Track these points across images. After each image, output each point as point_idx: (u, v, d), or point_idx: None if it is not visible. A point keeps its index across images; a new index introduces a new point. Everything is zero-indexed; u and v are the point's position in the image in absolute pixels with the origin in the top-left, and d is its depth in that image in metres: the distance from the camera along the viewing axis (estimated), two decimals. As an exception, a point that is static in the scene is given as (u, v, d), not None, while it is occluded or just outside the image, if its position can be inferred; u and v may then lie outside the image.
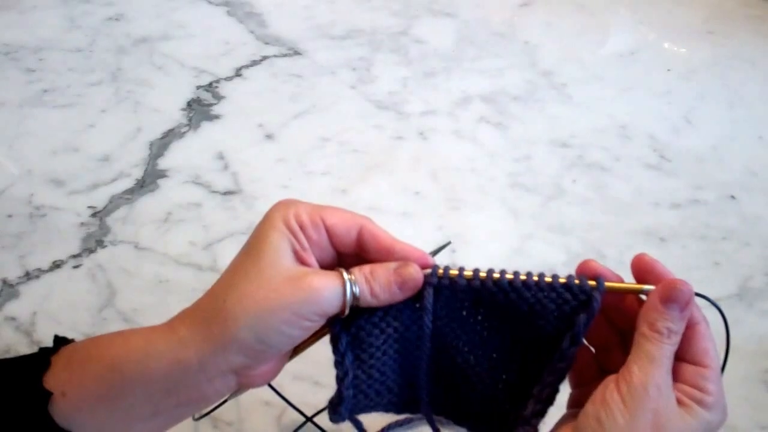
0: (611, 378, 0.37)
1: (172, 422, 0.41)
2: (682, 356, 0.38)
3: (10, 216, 0.71)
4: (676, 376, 0.37)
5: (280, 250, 0.39)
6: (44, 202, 0.72)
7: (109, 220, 0.71)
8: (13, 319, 0.62)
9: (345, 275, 0.39)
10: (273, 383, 0.46)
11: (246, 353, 0.38)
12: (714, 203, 0.75)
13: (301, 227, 0.40)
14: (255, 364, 0.39)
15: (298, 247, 0.39)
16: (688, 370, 0.38)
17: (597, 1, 1.07)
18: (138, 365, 0.38)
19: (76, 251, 0.68)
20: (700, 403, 0.37)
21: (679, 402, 0.37)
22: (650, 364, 0.36)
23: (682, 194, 0.76)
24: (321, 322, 0.40)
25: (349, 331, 0.41)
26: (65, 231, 0.70)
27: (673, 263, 0.68)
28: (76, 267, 0.66)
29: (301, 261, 0.40)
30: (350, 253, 0.42)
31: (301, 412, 0.51)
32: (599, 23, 1.02)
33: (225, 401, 0.44)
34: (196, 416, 0.45)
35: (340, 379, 0.42)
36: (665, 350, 0.37)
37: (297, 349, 0.43)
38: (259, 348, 0.38)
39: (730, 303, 0.65)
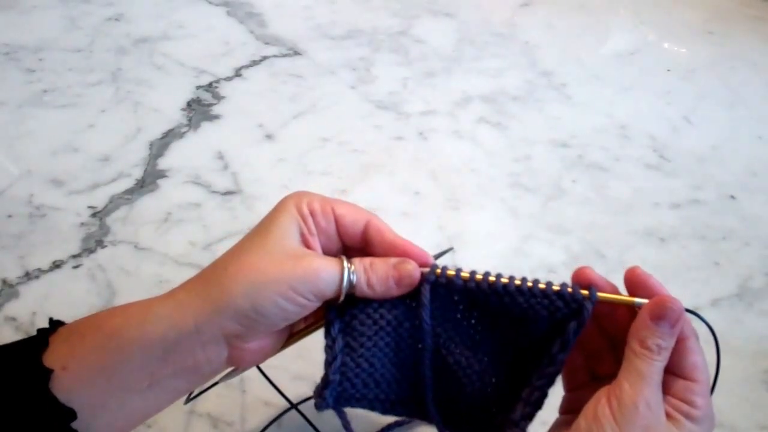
0: (603, 392, 0.38)
1: (165, 398, 0.42)
2: (672, 370, 0.39)
3: (10, 216, 0.71)
4: (665, 389, 0.38)
5: (287, 230, 0.41)
6: (44, 202, 0.72)
7: (109, 220, 0.71)
8: (13, 319, 0.62)
9: (345, 262, 0.41)
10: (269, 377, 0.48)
11: (240, 320, 0.39)
12: (714, 203, 0.75)
13: (312, 214, 0.41)
14: (248, 335, 0.40)
15: (305, 230, 0.41)
16: (677, 383, 0.39)
17: (597, 1, 1.07)
18: (136, 330, 0.39)
19: (76, 251, 0.68)
20: (688, 416, 0.38)
21: (668, 415, 0.38)
22: (641, 381, 0.37)
23: (682, 194, 0.76)
24: (316, 303, 0.41)
25: (342, 318, 0.43)
26: (65, 231, 0.69)
27: (673, 263, 0.68)
28: (76, 267, 0.66)
29: (307, 244, 0.41)
30: (355, 247, 0.43)
31: (287, 398, 0.52)
32: (599, 23, 1.03)
33: (215, 383, 0.45)
34: (186, 401, 0.46)
35: (328, 363, 0.43)
36: (655, 367, 0.38)
37: (291, 338, 0.44)
38: (254, 317, 0.39)
39: (730, 303, 0.65)
